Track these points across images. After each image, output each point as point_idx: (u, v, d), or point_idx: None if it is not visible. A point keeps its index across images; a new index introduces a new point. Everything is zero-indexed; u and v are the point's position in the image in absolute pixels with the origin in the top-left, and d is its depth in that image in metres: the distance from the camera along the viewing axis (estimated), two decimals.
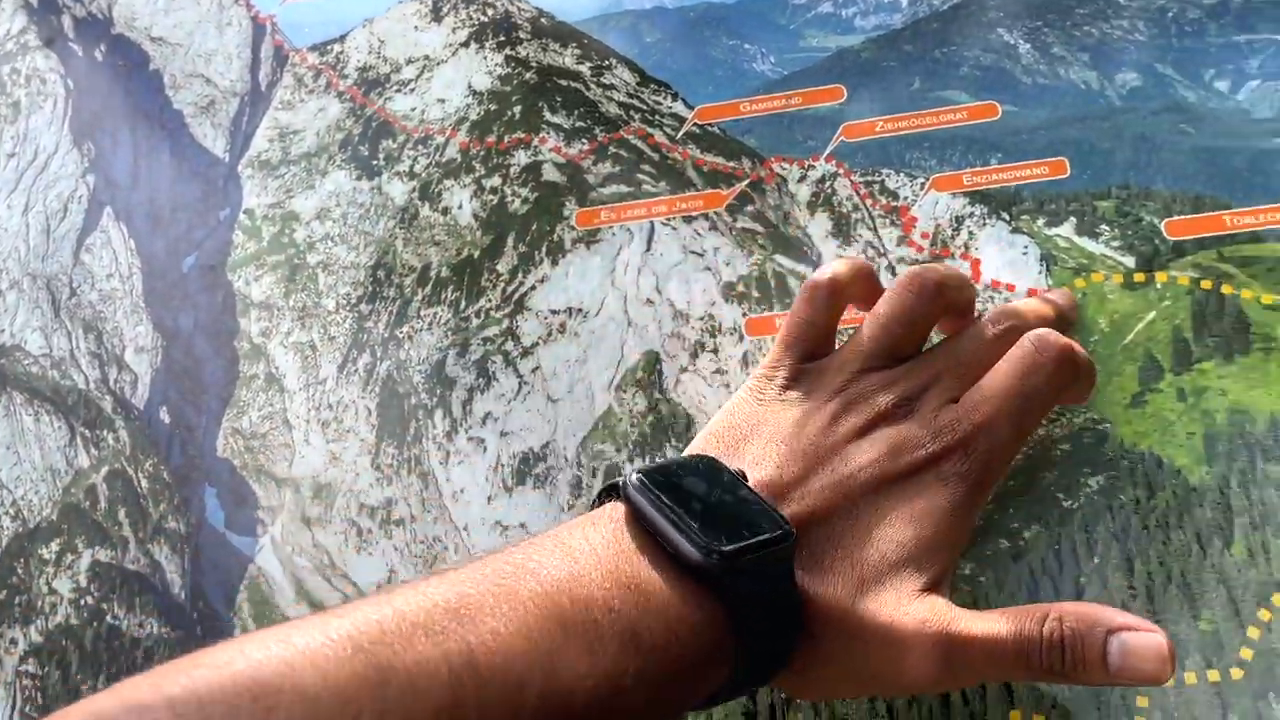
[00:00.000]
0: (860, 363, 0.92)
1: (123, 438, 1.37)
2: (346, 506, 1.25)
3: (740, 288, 1.25)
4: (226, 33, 1.64)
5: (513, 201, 1.35)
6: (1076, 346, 0.87)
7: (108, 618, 1.27)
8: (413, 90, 1.53)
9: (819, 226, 1.29)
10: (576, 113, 1.41)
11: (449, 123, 1.45)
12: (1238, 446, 1.11)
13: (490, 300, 1.30)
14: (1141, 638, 0.80)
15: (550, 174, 1.36)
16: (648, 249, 1.30)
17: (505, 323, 1.26)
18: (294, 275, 1.37)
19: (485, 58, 1.53)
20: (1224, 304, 1.18)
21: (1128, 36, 1.30)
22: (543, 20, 1.56)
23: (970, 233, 1.25)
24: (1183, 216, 1.28)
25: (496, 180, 1.38)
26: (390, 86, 1.53)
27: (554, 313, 1.27)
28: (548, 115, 1.43)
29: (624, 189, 1.33)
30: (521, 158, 1.38)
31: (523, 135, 1.39)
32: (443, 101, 1.50)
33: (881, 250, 1.24)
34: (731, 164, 1.33)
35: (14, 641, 1.28)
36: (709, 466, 0.74)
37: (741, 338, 1.21)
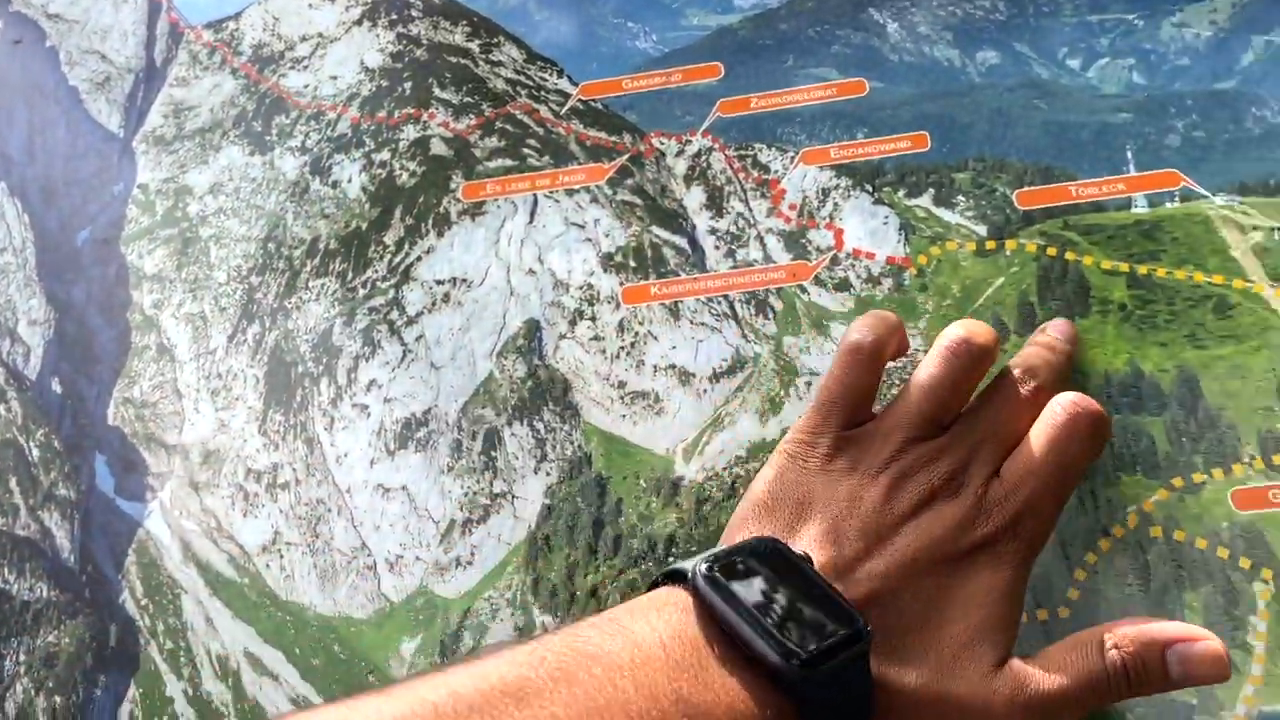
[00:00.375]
0: (906, 432, 0.96)
1: (14, 408, 1.38)
2: (234, 472, 1.27)
3: (618, 258, 1.28)
4: (122, 10, 1.64)
5: (401, 175, 1.37)
6: (1103, 411, 0.92)
7: None
8: (306, 67, 1.55)
9: (694, 199, 1.33)
10: (465, 89, 1.43)
11: (341, 99, 1.47)
12: None
13: (377, 271, 1.32)
14: (1196, 648, 0.87)
15: (438, 148, 1.38)
16: (531, 221, 1.32)
17: (391, 293, 1.28)
18: (186, 248, 1.38)
19: (378, 35, 1.55)
20: (1067, 269, 1.24)
21: (989, 16, 1.35)
22: None
23: (835, 204, 1.29)
24: (1032, 187, 1.35)
25: (386, 155, 1.39)
26: (284, 63, 1.54)
27: (439, 283, 1.29)
28: (437, 91, 1.45)
29: (509, 163, 1.36)
30: (410, 132, 1.40)
31: (412, 111, 1.40)
32: (335, 78, 1.51)
33: (751, 221, 1.28)
34: (613, 139, 1.37)
35: None
36: (773, 551, 0.77)
37: (618, 306, 1.24)
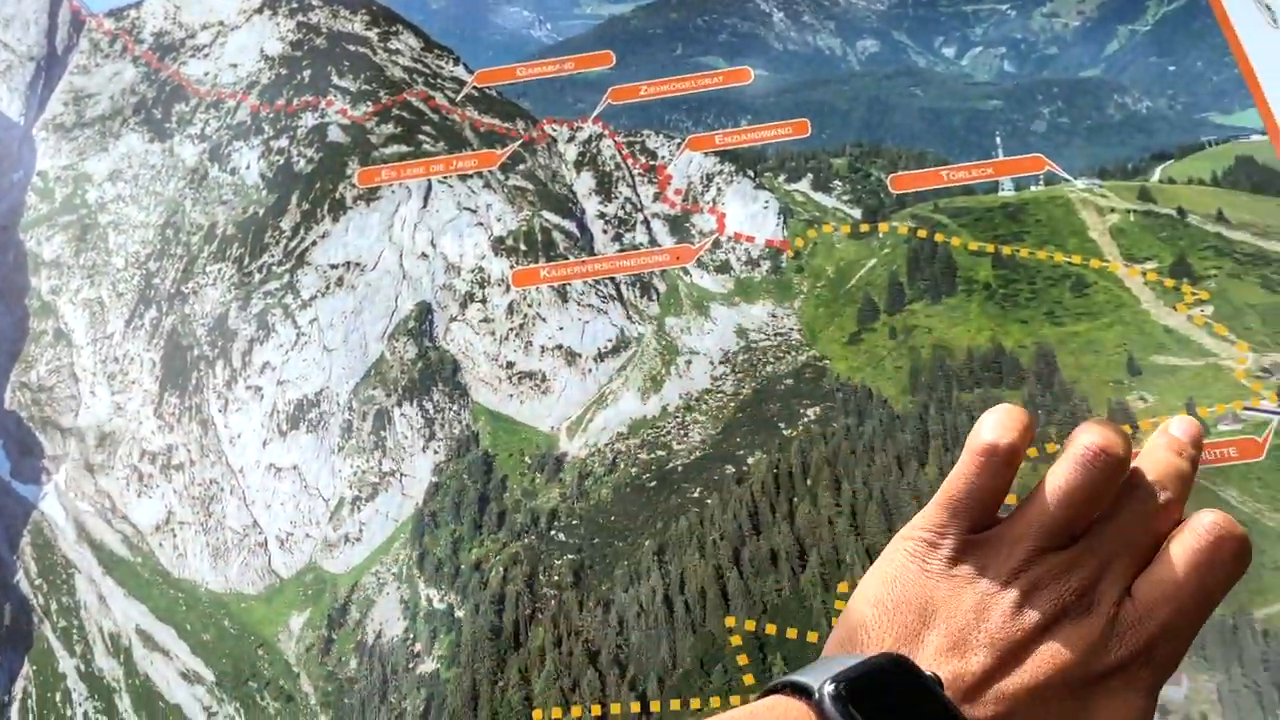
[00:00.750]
0: (1037, 540, 0.93)
1: None
2: (129, 454, 1.29)
3: (509, 242, 1.32)
4: None
5: (298, 162, 1.40)
6: (1246, 535, 0.89)
7: None
8: (207, 55, 1.56)
9: (584, 184, 1.36)
10: (363, 76, 1.45)
11: (240, 87, 1.49)
12: (937, 377, 1.22)
13: (273, 256, 1.34)
14: None
15: (335, 135, 1.41)
16: (424, 206, 1.35)
17: (286, 277, 1.31)
18: (85, 235, 1.40)
19: (278, 24, 1.56)
20: (936, 251, 1.29)
21: (870, 6, 1.39)
22: None
23: (719, 189, 1.33)
24: (906, 172, 1.40)
25: (284, 142, 1.41)
26: (185, 51, 1.56)
27: (333, 267, 1.31)
28: (335, 79, 1.47)
29: (405, 149, 1.39)
30: (309, 120, 1.42)
31: (311, 98, 1.43)
32: (235, 66, 1.53)
33: (639, 205, 1.31)
34: (506, 125, 1.40)
35: None
36: (904, 672, 0.76)
37: (508, 289, 1.28)
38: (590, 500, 1.29)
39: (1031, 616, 0.79)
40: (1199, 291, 1.27)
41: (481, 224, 1.45)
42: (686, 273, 1.40)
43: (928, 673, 0.73)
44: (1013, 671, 0.77)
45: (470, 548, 1.28)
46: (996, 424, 0.91)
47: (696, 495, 1.26)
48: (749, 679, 1.16)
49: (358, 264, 1.45)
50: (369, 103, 1.55)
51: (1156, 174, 1.37)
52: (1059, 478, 0.93)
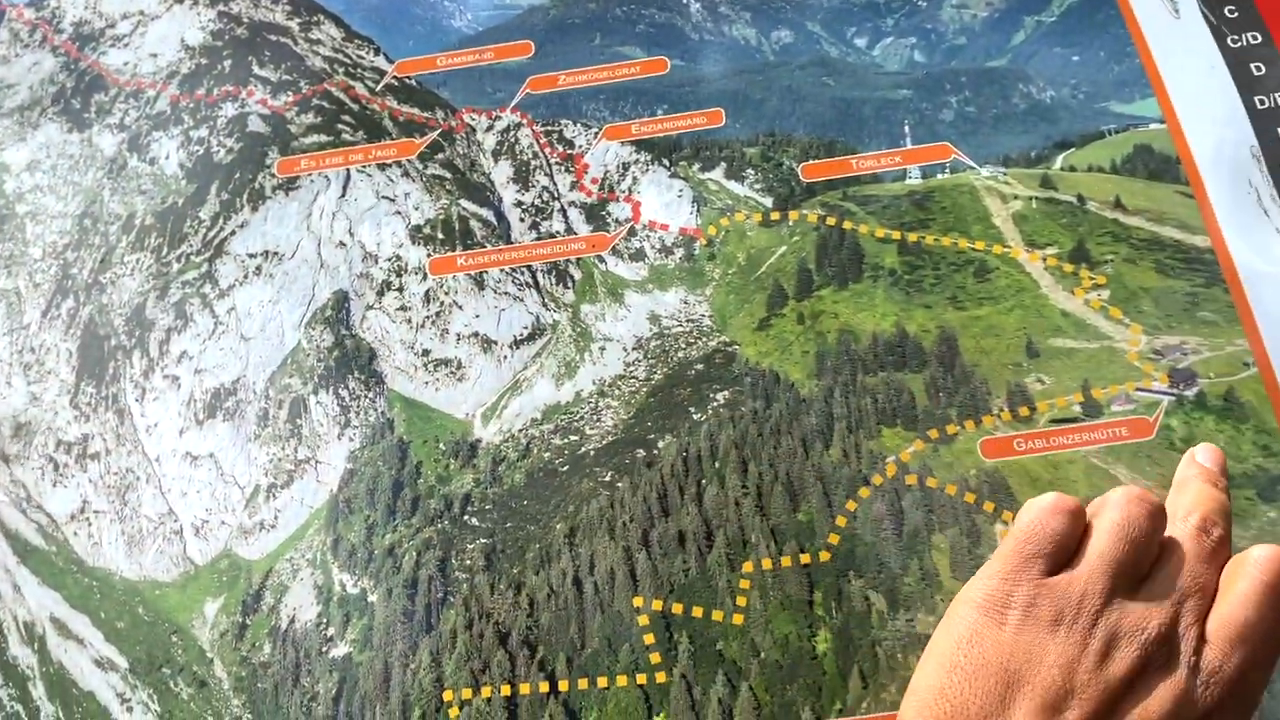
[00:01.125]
0: (1109, 581, 0.94)
1: None
2: (44, 443, 1.29)
3: (427, 230, 1.33)
4: None
5: (218, 152, 1.40)
6: None
7: None
8: (127, 45, 1.56)
9: (501, 173, 1.38)
10: (283, 66, 1.46)
11: (160, 76, 1.48)
12: (843, 361, 1.25)
13: (192, 246, 1.34)
14: None
15: (256, 125, 1.41)
16: (343, 195, 1.36)
17: (205, 267, 1.31)
18: (1, 225, 1.39)
19: (199, 13, 1.56)
20: (844, 238, 1.31)
21: None
22: None
23: (634, 178, 1.35)
24: (816, 161, 1.42)
25: (204, 132, 1.41)
26: (105, 41, 1.55)
27: (251, 256, 1.32)
28: (256, 69, 1.47)
29: (324, 139, 1.39)
30: (229, 110, 1.42)
31: (231, 88, 1.43)
32: (155, 56, 1.52)
33: (556, 194, 1.33)
34: (426, 114, 1.41)
35: None
36: None
37: (425, 276, 1.29)
38: (503, 485, 1.31)
39: (1119, 668, 0.81)
40: (1096, 276, 1.30)
41: (399, 213, 1.46)
42: (602, 260, 1.42)
43: None
44: None
45: (384, 533, 1.29)
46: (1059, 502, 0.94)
47: (608, 479, 1.28)
48: (655, 657, 1.18)
49: (276, 253, 1.45)
50: (289, 93, 1.55)
51: (1059, 162, 1.40)
52: (1123, 518, 0.94)
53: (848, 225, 1.38)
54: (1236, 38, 1.36)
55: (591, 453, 1.31)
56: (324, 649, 1.23)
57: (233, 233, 1.49)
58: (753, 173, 1.45)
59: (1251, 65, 1.34)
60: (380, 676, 1.20)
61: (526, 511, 1.28)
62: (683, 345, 1.37)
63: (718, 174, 1.46)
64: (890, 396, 1.28)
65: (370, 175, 1.49)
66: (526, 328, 1.41)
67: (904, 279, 1.35)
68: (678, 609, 1.20)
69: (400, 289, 1.43)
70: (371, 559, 1.28)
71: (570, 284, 1.43)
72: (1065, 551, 0.93)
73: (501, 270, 1.43)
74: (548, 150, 1.51)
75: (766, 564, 1.20)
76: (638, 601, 1.21)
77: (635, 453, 1.29)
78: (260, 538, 1.32)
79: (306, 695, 1.21)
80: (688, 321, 1.38)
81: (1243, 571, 0.90)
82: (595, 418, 1.34)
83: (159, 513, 1.35)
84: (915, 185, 1.39)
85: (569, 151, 1.50)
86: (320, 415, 1.37)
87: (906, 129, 1.44)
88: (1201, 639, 0.87)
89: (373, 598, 1.24)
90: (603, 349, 1.39)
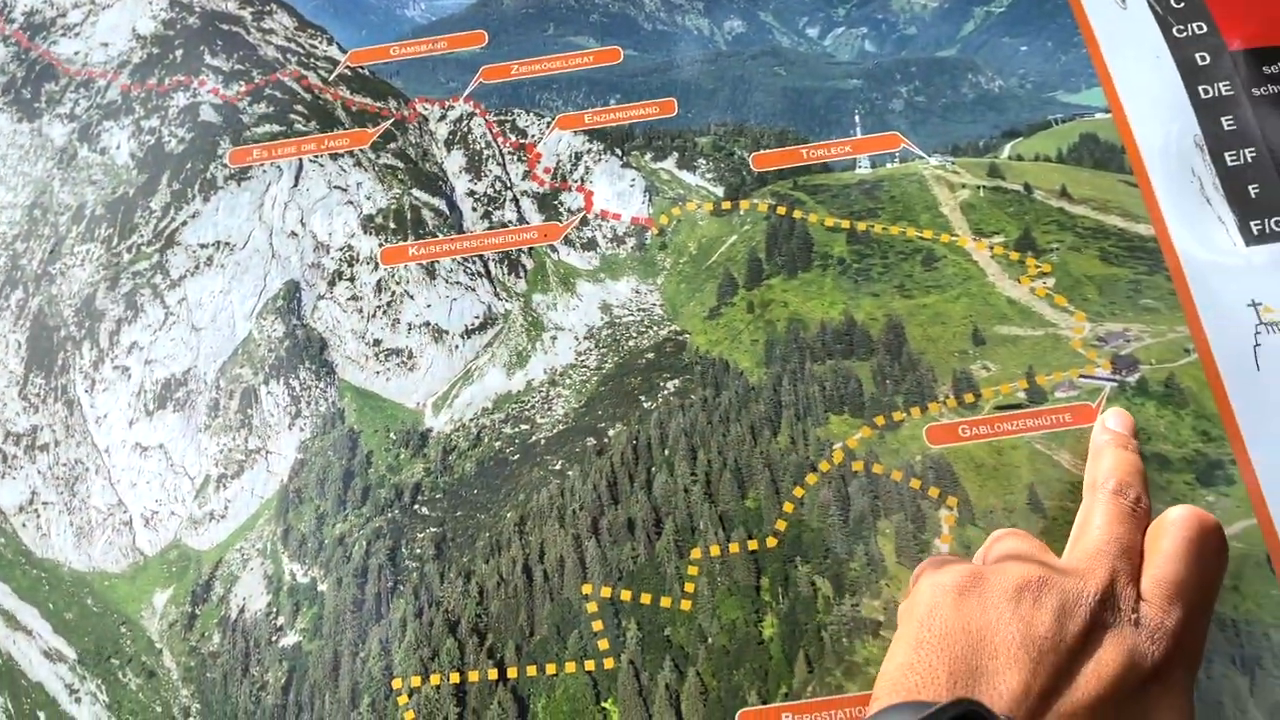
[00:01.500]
0: (1042, 555, 0.97)
1: None
2: None
3: (379, 220, 1.33)
4: None
5: (170, 142, 1.39)
6: (1219, 522, 0.95)
7: None
8: (78, 34, 1.55)
9: (454, 162, 1.37)
10: (236, 56, 1.45)
11: (111, 66, 1.47)
12: (791, 350, 1.25)
13: (142, 236, 1.33)
14: None
15: (207, 115, 1.40)
16: (295, 185, 1.36)
17: (155, 257, 1.30)
18: None
19: (150, 3, 1.55)
20: (794, 227, 1.32)
21: None
22: None
23: (587, 167, 1.35)
24: (767, 150, 1.43)
25: (155, 121, 1.40)
26: (56, 30, 1.54)
27: (203, 246, 1.31)
28: (208, 59, 1.46)
29: (277, 128, 1.39)
30: (181, 99, 1.41)
31: (183, 78, 1.42)
32: (106, 45, 1.51)
33: (508, 184, 1.33)
34: (379, 104, 1.40)
35: None
36: (974, 715, 0.77)
37: (377, 266, 1.29)
38: (454, 474, 1.31)
39: (1073, 628, 0.84)
40: (1042, 264, 1.32)
41: (351, 202, 1.46)
42: (554, 250, 1.42)
43: (1000, 715, 0.75)
44: (1068, 689, 0.83)
45: (334, 523, 1.29)
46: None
47: (558, 467, 1.29)
48: (603, 644, 1.19)
49: (228, 243, 1.45)
50: (241, 82, 1.55)
51: (1006, 151, 1.41)
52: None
53: (798, 214, 1.38)
54: (1182, 28, 1.37)
55: (542, 441, 1.32)
56: (273, 638, 1.23)
57: (184, 223, 1.48)
58: (704, 162, 1.45)
59: (1196, 55, 1.35)
60: (330, 665, 1.20)
61: (477, 500, 1.29)
62: (634, 334, 1.37)
63: (670, 164, 1.46)
64: (838, 384, 1.29)
65: (323, 165, 1.49)
66: (478, 317, 1.41)
67: (852, 267, 1.36)
68: (626, 596, 1.20)
69: (352, 279, 1.43)
70: (322, 548, 1.28)
71: (522, 273, 1.43)
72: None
73: (453, 260, 1.43)
74: (500, 140, 1.51)
75: (715, 550, 1.21)
76: (586, 589, 1.21)
77: (586, 441, 1.30)
78: (210, 528, 1.32)
79: (256, 685, 1.21)
80: (639, 310, 1.39)
81: (1165, 531, 0.95)
82: (546, 406, 1.34)
83: (108, 504, 1.35)
84: (865, 174, 1.40)
85: (522, 141, 1.50)
86: (271, 405, 1.37)
87: (857, 118, 1.45)
88: (1139, 598, 0.90)
89: (323, 587, 1.24)
90: (554, 338, 1.39)
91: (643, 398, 1.32)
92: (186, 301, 1.43)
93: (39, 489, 1.36)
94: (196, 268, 1.45)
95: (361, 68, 1.54)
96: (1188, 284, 1.23)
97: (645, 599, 1.19)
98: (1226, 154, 1.28)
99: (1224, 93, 1.32)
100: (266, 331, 1.41)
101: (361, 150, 1.49)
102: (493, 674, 1.17)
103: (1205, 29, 1.35)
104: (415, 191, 1.48)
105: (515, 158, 1.49)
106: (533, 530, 1.25)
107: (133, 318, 1.43)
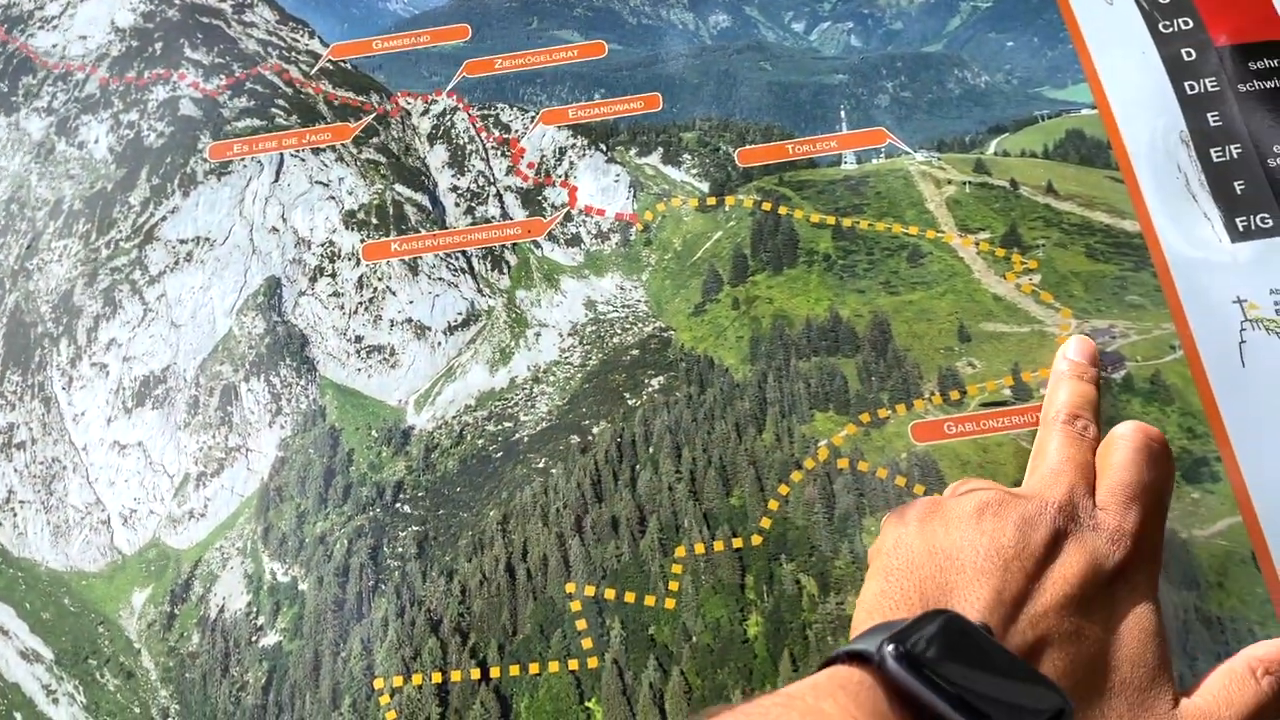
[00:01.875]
0: (1009, 485, 0.99)
1: None
2: None
3: (361, 215, 1.31)
4: None
5: (149, 136, 1.37)
6: (1162, 434, 0.99)
7: None
8: (55, 27, 1.53)
9: (437, 157, 1.36)
10: (216, 49, 1.43)
11: (90, 59, 1.45)
12: (776, 346, 1.25)
13: (121, 231, 1.32)
14: None
15: (187, 109, 1.39)
16: (276, 180, 1.34)
17: (134, 253, 1.28)
18: None
19: None
20: (779, 223, 1.31)
21: None
22: None
23: (571, 162, 1.34)
24: (753, 146, 1.42)
25: (134, 115, 1.39)
26: (33, 23, 1.52)
27: (182, 242, 1.30)
28: (188, 52, 1.45)
29: (257, 123, 1.37)
30: (160, 93, 1.40)
31: (162, 71, 1.40)
32: (85, 38, 1.49)
33: (491, 179, 1.32)
34: (361, 98, 1.39)
35: None
36: (955, 629, 0.78)
37: (358, 262, 1.27)
38: (436, 472, 1.30)
39: (1038, 538, 0.86)
40: (1028, 260, 1.31)
41: (333, 198, 1.44)
42: (538, 246, 1.41)
43: (975, 621, 0.76)
44: (1037, 593, 0.85)
45: (315, 521, 1.28)
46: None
47: (542, 465, 1.28)
48: (587, 643, 1.18)
49: (208, 239, 1.43)
50: (222, 76, 1.53)
51: (992, 147, 1.41)
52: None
53: (783, 210, 1.38)
54: (1168, 24, 1.37)
55: (525, 439, 1.31)
56: (254, 638, 1.22)
57: (163, 218, 1.47)
58: (689, 158, 1.44)
59: (1182, 51, 1.35)
60: (310, 665, 1.19)
61: (459, 498, 1.27)
62: (618, 331, 1.36)
63: (654, 159, 1.45)
64: (823, 381, 1.28)
65: (304, 160, 1.47)
66: (461, 314, 1.40)
67: (838, 264, 1.35)
68: (610, 594, 1.20)
69: (333, 275, 1.41)
70: (302, 547, 1.26)
71: (506, 269, 1.42)
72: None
73: (436, 256, 1.41)
74: (484, 134, 1.50)
75: (699, 548, 1.20)
76: (570, 587, 1.21)
77: (570, 438, 1.29)
78: (189, 527, 1.31)
79: (235, 685, 1.20)
80: (623, 307, 1.38)
81: (1114, 445, 0.99)
82: (530, 404, 1.33)
83: (86, 502, 1.33)
84: (850, 170, 1.40)
85: (505, 136, 1.49)
86: (251, 403, 1.35)
87: (842, 114, 1.44)
88: (1095, 507, 0.94)
89: (303, 586, 1.23)
90: (538, 335, 1.38)
91: (627, 395, 1.31)
92: (166, 298, 1.42)
93: (15, 487, 1.35)
94: (176, 263, 1.44)
95: (344, 62, 1.53)
96: (1173, 280, 1.23)
97: (629, 597, 1.18)
98: (1212, 150, 1.27)
99: (1210, 89, 1.31)
100: (247, 328, 1.39)
101: (343, 145, 1.48)
102: (475, 674, 1.16)
103: (1191, 24, 1.35)
104: (398, 187, 1.47)
105: (499, 153, 1.48)
106: (516, 528, 1.24)
107: (111, 314, 1.42)
